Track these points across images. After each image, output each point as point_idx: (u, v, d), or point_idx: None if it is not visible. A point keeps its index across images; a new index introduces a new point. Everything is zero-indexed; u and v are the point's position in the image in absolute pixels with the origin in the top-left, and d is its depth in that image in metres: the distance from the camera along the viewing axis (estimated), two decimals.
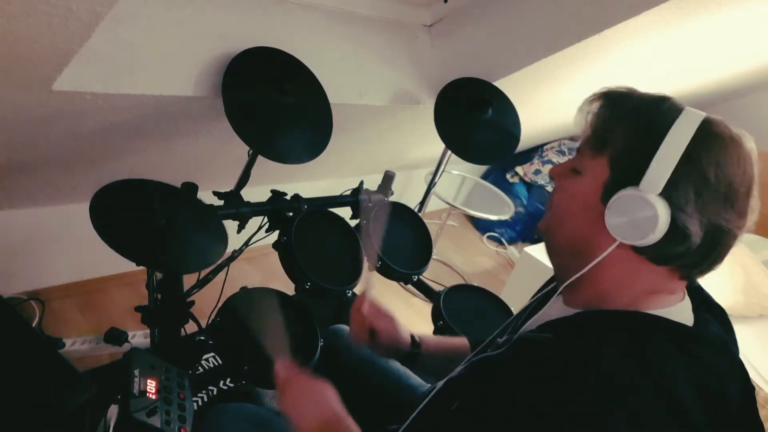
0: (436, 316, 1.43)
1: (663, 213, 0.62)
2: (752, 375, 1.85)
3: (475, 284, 1.62)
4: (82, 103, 1.10)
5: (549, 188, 3.23)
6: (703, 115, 0.65)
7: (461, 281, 2.84)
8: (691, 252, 0.64)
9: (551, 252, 0.76)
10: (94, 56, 1.02)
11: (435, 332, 1.41)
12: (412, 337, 1.05)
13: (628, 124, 0.68)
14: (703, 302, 0.75)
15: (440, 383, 0.83)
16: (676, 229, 0.62)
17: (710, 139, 0.63)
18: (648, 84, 2.43)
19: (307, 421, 0.81)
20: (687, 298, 0.71)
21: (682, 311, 0.69)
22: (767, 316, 2.14)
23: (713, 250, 0.65)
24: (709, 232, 0.63)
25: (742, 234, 0.66)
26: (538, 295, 0.87)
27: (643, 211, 0.62)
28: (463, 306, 1.47)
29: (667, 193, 0.62)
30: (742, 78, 2.75)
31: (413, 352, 1.04)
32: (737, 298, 2.05)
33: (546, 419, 0.57)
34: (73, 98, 1.08)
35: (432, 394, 0.81)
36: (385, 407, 1.09)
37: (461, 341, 1.07)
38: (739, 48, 2.10)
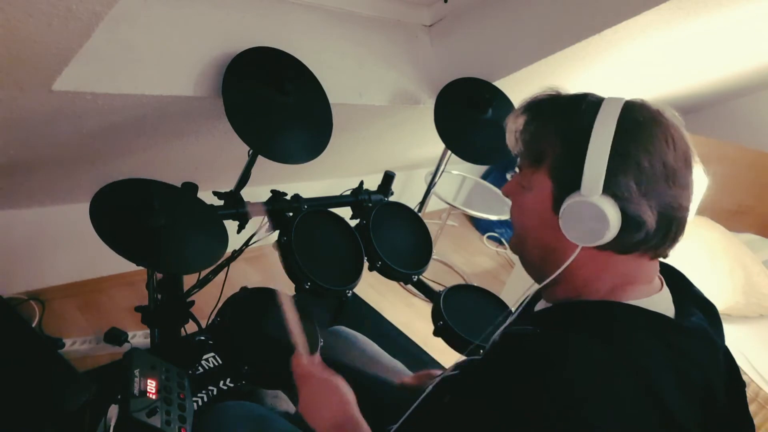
0: (436, 316, 1.43)
1: (611, 210, 0.63)
2: (752, 375, 1.85)
3: (475, 284, 1.62)
4: (82, 103, 1.10)
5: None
6: (621, 101, 0.66)
7: (461, 281, 2.84)
8: (651, 235, 0.65)
9: (525, 266, 0.78)
10: (94, 56, 1.02)
11: (435, 332, 1.41)
12: None
13: (553, 132, 0.69)
14: (689, 296, 0.75)
15: (435, 381, 0.84)
16: (629, 219, 0.64)
17: (633, 127, 0.64)
18: (648, 84, 2.43)
19: (321, 420, 0.81)
20: (665, 288, 0.73)
21: (660, 301, 0.70)
22: (767, 316, 2.14)
23: (671, 225, 0.67)
24: (662, 212, 0.65)
25: (692, 202, 0.68)
26: (524, 299, 0.88)
27: (592, 214, 0.64)
28: (463, 306, 1.47)
29: (610, 190, 0.64)
30: (742, 78, 2.75)
31: None
32: (737, 298, 2.05)
33: (527, 410, 0.59)
34: (73, 98, 1.08)
35: (427, 391, 0.82)
36: (384, 408, 1.09)
37: None
38: (739, 48, 2.10)
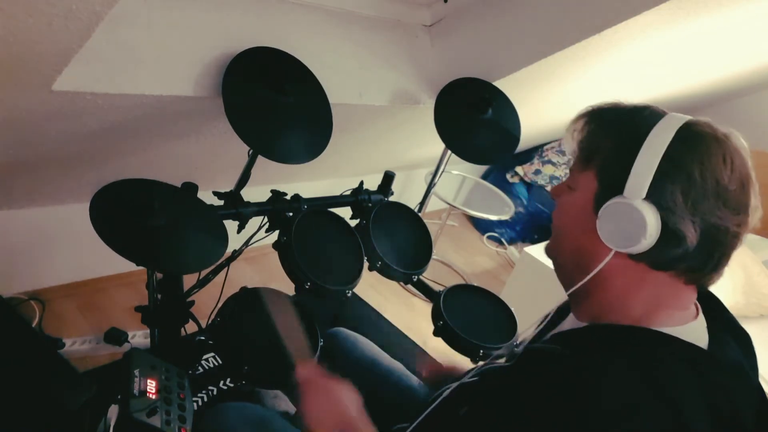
0: (436, 316, 1.43)
1: (651, 217, 0.61)
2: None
3: (475, 284, 1.61)
4: (82, 103, 1.10)
5: (549, 188, 3.23)
6: (685, 118, 0.65)
7: (461, 281, 2.84)
8: (689, 254, 0.63)
9: (558, 269, 0.77)
10: (94, 56, 1.02)
11: (435, 332, 1.41)
12: None
13: (610, 135, 0.68)
14: (725, 324, 0.73)
15: (450, 387, 0.83)
16: (668, 231, 0.62)
17: (692, 139, 0.63)
18: (648, 84, 2.43)
19: (324, 427, 0.80)
20: (701, 317, 0.70)
21: (694, 330, 0.67)
22: (767, 316, 2.14)
23: (714, 250, 0.64)
24: (705, 231, 0.62)
25: (744, 232, 0.65)
26: (554, 309, 0.86)
27: (631, 218, 0.62)
28: (463, 306, 1.47)
29: (653, 197, 0.62)
30: (742, 78, 2.75)
31: None
32: (737, 298, 2.05)
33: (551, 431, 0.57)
34: (73, 98, 1.08)
35: (441, 398, 0.81)
36: (384, 409, 1.09)
37: None
38: (739, 48, 2.10)
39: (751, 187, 0.64)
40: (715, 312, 0.73)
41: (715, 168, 0.62)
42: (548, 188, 3.23)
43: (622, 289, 0.68)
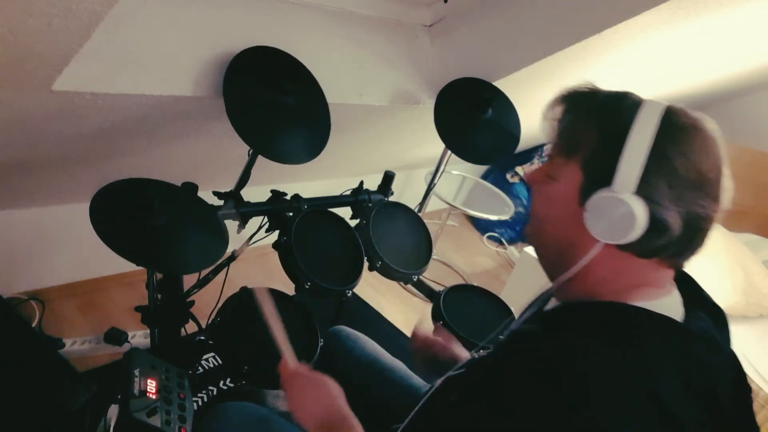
0: (436, 316, 1.43)
1: (640, 210, 0.63)
2: (752, 375, 1.85)
3: (475, 284, 1.62)
4: (82, 103, 1.10)
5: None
6: (663, 106, 0.66)
7: (461, 281, 2.84)
8: (673, 242, 0.65)
9: (540, 255, 0.77)
10: (94, 56, 1.02)
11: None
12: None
13: (592, 126, 0.68)
14: (698, 300, 0.75)
15: (440, 380, 0.84)
16: (655, 223, 0.63)
17: (674, 131, 0.64)
18: (648, 84, 2.43)
19: (310, 417, 0.82)
20: (676, 292, 0.72)
21: (669, 304, 0.69)
22: (767, 316, 2.14)
23: (694, 237, 0.66)
24: (688, 220, 0.64)
25: (717, 216, 0.67)
26: (537, 296, 0.87)
27: (621, 211, 0.63)
28: (463, 306, 1.47)
29: (641, 190, 0.63)
30: (742, 78, 2.76)
31: None
32: (737, 298, 2.05)
33: (533, 408, 0.59)
34: (73, 98, 1.08)
35: (432, 391, 0.82)
36: (386, 408, 1.09)
37: None
38: (739, 48, 2.10)
39: (723, 173, 0.66)
40: (689, 289, 0.75)
41: (697, 159, 0.63)
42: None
43: (606, 275, 0.69)
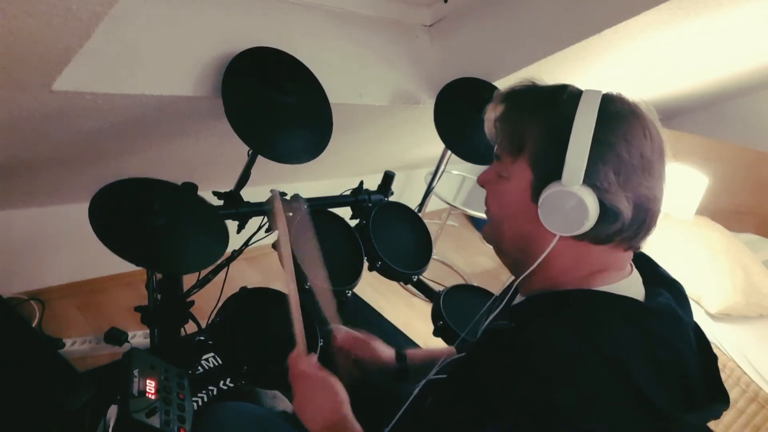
0: (436, 316, 1.43)
1: (590, 200, 0.64)
2: (752, 375, 1.85)
3: (475, 284, 1.62)
4: (82, 103, 1.10)
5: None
6: (600, 93, 0.67)
7: (461, 281, 2.84)
8: (626, 226, 0.67)
9: (500, 255, 0.79)
10: (94, 56, 1.02)
11: (435, 332, 1.41)
12: (397, 352, 1.07)
13: (535, 122, 0.70)
14: (657, 278, 0.77)
15: (420, 384, 0.84)
16: (606, 210, 0.65)
17: (614, 118, 0.66)
18: (648, 84, 2.42)
19: (314, 419, 0.82)
20: (635, 272, 0.74)
21: (630, 285, 0.71)
22: (767, 316, 2.14)
23: (646, 217, 0.68)
24: (638, 203, 0.66)
25: (664, 193, 0.69)
26: (500, 292, 0.90)
27: (572, 203, 0.65)
28: (463, 306, 1.47)
29: (589, 180, 0.65)
30: (742, 78, 2.75)
31: (401, 367, 1.06)
32: (737, 298, 2.05)
33: (498, 401, 0.60)
34: (73, 98, 1.08)
35: (413, 395, 0.83)
36: (382, 409, 1.09)
37: (450, 350, 1.08)
38: (739, 48, 2.10)
39: (665, 152, 0.69)
40: (646, 267, 0.77)
41: (639, 143, 0.65)
42: None
43: (566, 265, 0.71)
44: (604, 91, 0.68)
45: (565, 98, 0.68)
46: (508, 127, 0.73)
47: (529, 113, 0.71)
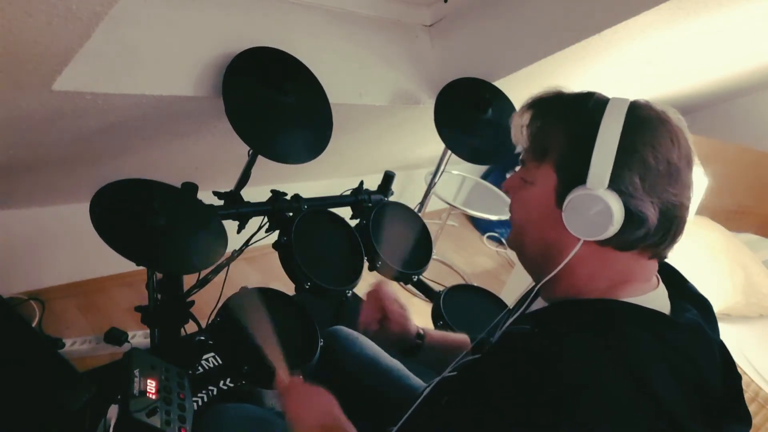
0: (436, 316, 1.43)
1: (615, 204, 0.64)
2: (752, 375, 1.84)
3: (475, 284, 1.61)
4: (82, 103, 1.10)
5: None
6: (627, 101, 0.67)
7: (461, 281, 2.84)
8: (651, 233, 0.66)
9: (524, 262, 0.78)
10: (94, 56, 1.02)
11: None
12: (419, 331, 1.07)
13: (561, 127, 0.70)
14: (684, 292, 0.76)
15: (433, 382, 0.84)
16: (631, 215, 0.65)
17: (640, 124, 0.66)
18: (648, 84, 2.42)
19: (309, 425, 0.82)
20: (662, 285, 0.73)
21: (656, 298, 0.70)
22: (767, 316, 2.14)
23: (672, 224, 0.68)
24: (664, 210, 0.66)
25: (691, 202, 0.69)
26: (521, 295, 0.88)
27: (597, 207, 0.64)
28: (463, 306, 1.47)
29: (614, 185, 0.64)
30: (742, 78, 2.75)
31: (416, 343, 1.05)
32: (737, 298, 2.05)
33: (521, 407, 0.59)
34: (73, 98, 1.08)
35: (425, 392, 0.82)
36: (384, 408, 1.09)
37: (463, 338, 1.08)
38: (739, 48, 2.10)
39: (692, 161, 0.68)
40: (675, 282, 0.76)
41: (666, 150, 0.65)
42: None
43: (589, 271, 0.70)
44: (631, 99, 0.68)
45: (592, 105, 0.68)
46: (534, 132, 0.73)
47: (555, 118, 0.71)
